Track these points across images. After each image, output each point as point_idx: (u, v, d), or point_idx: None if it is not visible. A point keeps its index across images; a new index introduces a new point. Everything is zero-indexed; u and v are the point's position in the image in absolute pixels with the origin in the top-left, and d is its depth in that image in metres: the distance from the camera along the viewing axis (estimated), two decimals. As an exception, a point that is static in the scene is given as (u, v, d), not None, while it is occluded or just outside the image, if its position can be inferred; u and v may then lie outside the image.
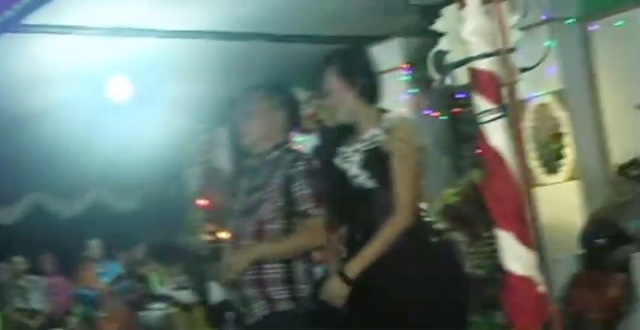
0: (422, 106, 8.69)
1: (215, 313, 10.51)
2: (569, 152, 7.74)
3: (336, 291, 3.51)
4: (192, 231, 12.33)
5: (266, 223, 3.70)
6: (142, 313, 11.02)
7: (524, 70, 3.18)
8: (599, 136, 7.84)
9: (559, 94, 7.73)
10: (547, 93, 7.74)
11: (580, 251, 7.02)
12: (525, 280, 2.88)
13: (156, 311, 11.15)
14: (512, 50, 3.06)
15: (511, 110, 3.01)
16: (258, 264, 3.67)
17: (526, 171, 3.03)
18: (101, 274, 10.88)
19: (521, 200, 2.90)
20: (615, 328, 6.53)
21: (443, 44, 3.27)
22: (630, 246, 6.65)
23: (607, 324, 6.49)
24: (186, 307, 11.48)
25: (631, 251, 6.60)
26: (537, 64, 3.22)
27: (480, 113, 3.00)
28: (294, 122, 3.99)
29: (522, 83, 3.15)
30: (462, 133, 8.72)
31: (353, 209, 3.64)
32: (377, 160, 3.54)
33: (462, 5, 2.96)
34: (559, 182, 7.80)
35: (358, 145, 3.65)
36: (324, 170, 3.76)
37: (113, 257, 11.35)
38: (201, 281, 11.68)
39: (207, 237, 11.76)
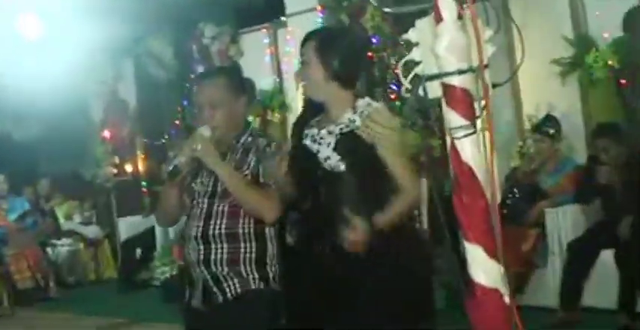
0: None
1: (124, 248, 10.51)
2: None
3: (359, 236, 3.40)
4: (96, 163, 12.18)
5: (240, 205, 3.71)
6: (49, 250, 10.93)
7: (495, 85, 3.25)
8: (512, 88, 8.00)
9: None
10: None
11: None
12: (491, 292, 2.97)
13: (63, 247, 11.07)
14: (486, 66, 3.10)
15: (485, 125, 3.06)
16: (233, 239, 3.70)
17: (495, 186, 3.12)
18: (7, 211, 10.64)
19: (490, 214, 2.99)
20: (528, 280, 6.82)
21: (415, 54, 3.28)
22: (544, 202, 6.92)
23: (520, 276, 6.75)
24: (92, 243, 11.45)
25: (545, 207, 6.87)
26: (509, 80, 3.29)
27: (453, 129, 3.05)
28: (250, 103, 4.00)
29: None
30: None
31: (318, 190, 3.60)
32: (351, 145, 3.51)
33: (439, 20, 2.96)
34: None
35: (332, 127, 3.60)
36: (294, 148, 3.74)
37: (18, 192, 11.14)
38: (108, 215, 11.62)
39: (112, 169, 11.67)
